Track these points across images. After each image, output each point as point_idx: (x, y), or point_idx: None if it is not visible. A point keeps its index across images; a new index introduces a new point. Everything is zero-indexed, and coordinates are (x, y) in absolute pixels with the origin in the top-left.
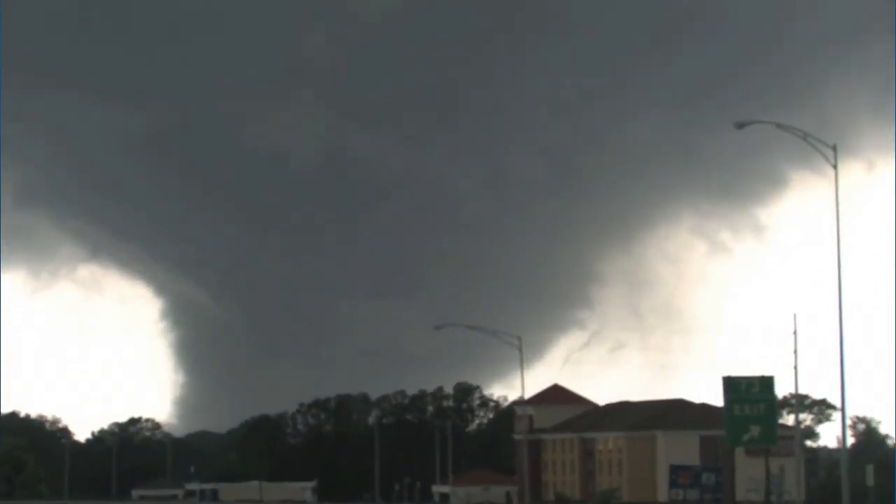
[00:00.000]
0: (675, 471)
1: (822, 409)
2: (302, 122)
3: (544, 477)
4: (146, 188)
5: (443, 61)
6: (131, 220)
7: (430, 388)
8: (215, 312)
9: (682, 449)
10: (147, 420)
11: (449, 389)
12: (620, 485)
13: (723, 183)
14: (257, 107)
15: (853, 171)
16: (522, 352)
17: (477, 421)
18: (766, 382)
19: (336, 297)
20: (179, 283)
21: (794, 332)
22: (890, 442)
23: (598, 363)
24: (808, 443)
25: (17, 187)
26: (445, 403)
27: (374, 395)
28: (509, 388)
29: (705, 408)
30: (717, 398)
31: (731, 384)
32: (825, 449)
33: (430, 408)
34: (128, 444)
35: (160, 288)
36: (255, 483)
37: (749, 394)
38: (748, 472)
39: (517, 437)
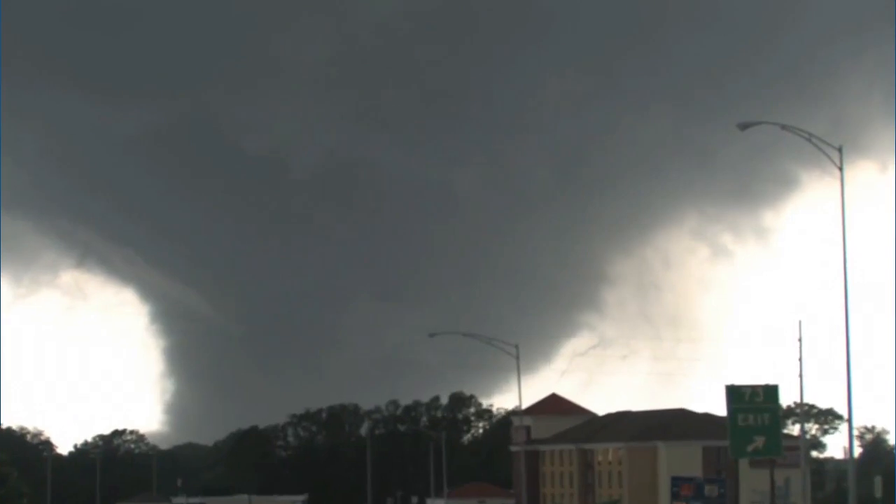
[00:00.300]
0: (677, 482)
1: (828, 418)
2: (301, 125)
3: (542, 489)
4: (139, 190)
5: (447, 62)
6: (121, 223)
7: (424, 399)
8: (205, 319)
9: (684, 460)
10: (131, 432)
11: (444, 399)
12: (621, 497)
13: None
14: (256, 108)
15: (865, 172)
16: (520, 361)
17: (472, 431)
18: (771, 391)
19: (328, 305)
20: (169, 289)
21: (800, 340)
22: None
23: (598, 372)
24: (815, 454)
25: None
26: (439, 414)
27: (366, 405)
28: (507, 398)
29: (708, 417)
30: (719, 407)
31: (734, 393)
32: (832, 460)
33: (424, 418)
34: (112, 456)
35: (148, 294)
36: (244, 497)
37: (753, 403)
38: (752, 483)
39: (514, 448)
